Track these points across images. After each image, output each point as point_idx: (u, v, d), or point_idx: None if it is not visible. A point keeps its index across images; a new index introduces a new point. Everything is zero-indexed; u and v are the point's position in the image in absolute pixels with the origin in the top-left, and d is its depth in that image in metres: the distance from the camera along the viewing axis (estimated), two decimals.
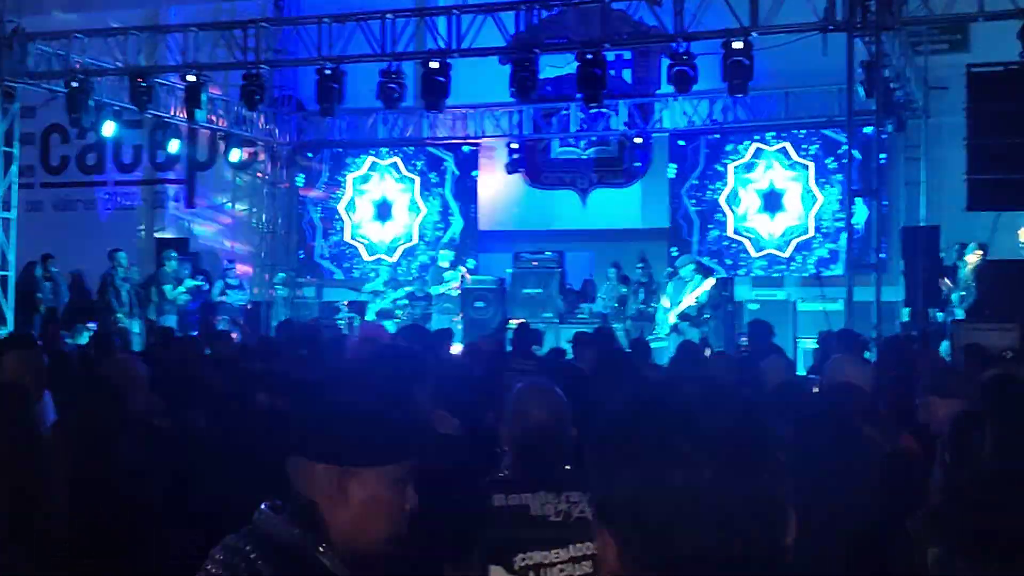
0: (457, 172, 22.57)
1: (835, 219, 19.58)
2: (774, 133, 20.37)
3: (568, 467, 3.97)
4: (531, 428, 3.97)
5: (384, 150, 23.02)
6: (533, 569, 3.78)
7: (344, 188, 23.37)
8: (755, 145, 20.57)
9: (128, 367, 5.64)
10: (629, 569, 1.57)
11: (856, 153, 16.90)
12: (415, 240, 22.74)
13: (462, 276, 19.83)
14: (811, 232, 20.14)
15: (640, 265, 18.89)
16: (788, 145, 20.31)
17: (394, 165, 22.96)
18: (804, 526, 3.21)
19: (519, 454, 4.02)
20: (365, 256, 23.01)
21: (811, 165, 20.19)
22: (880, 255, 16.15)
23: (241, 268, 21.93)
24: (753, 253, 20.53)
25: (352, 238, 23.23)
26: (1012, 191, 14.51)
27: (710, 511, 1.53)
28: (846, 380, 5.63)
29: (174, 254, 20.14)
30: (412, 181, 22.82)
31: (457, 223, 22.52)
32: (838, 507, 2.73)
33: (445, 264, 20.25)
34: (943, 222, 17.36)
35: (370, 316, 19.19)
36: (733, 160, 20.72)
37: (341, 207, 23.33)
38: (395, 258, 22.47)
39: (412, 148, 22.87)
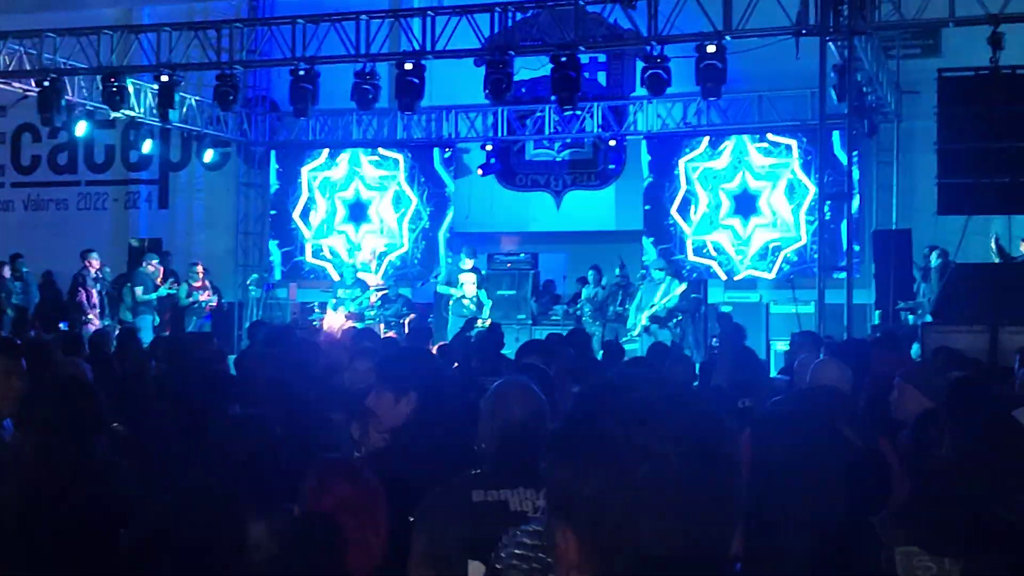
0: (434, 173, 22.50)
1: (807, 222, 19.65)
2: (747, 136, 20.40)
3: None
4: (510, 424, 4.00)
5: (366, 150, 22.87)
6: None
7: (300, 190, 23.21)
8: (727, 148, 20.58)
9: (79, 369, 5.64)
10: (593, 565, 1.60)
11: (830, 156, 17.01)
12: (397, 240, 22.61)
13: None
14: (781, 234, 20.18)
15: (619, 268, 18.95)
16: (760, 148, 20.33)
17: (375, 163, 22.81)
18: (780, 523, 3.24)
19: (498, 450, 4.03)
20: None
21: (782, 169, 20.22)
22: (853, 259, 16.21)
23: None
24: (717, 265, 20.57)
25: (314, 237, 23.12)
26: (982, 195, 14.59)
27: (675, 504, 1.56)
28: (826, 382, 5.67)
29: (156, 259, 20.03)
30: (398, 181, 22.65)
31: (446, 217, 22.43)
32: (812, 505, 2.78)
33: (466, 267, 19.48)
34: (914, 226, 17.45)
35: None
36: (704, 162, 20.72)
37: (297, 212, 23.18)
38: (373, 259, 22.29)
39: (406, 149, 22.67)
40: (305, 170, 23.07)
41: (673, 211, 20.67)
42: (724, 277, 20.37)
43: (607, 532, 1.57)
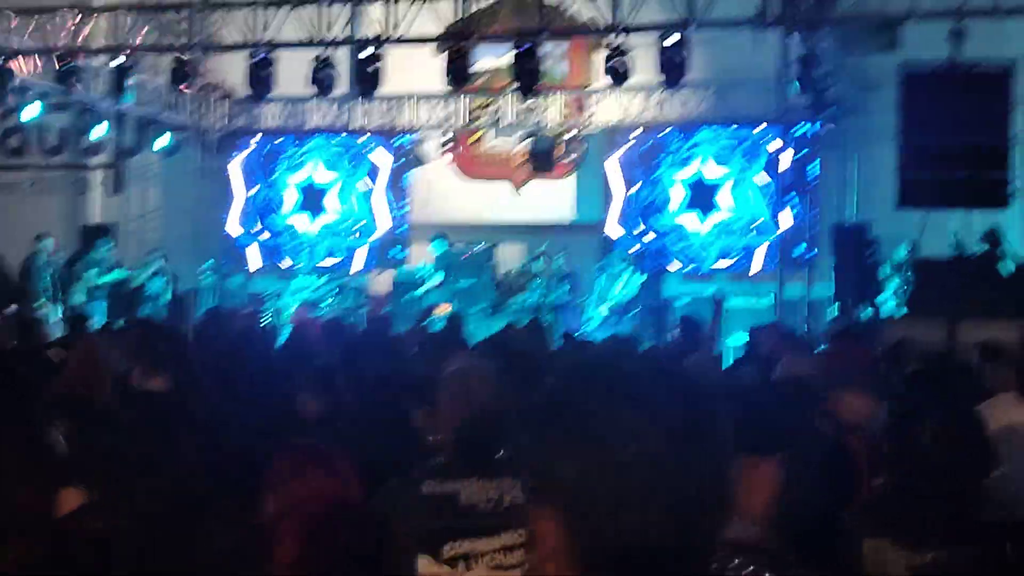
0: (390, 162, 22.33)
1: (766, 216, 19.65)
2: (706, 127, 20.38)
3: (502, 452, 3.87)
4: (473, 412, 3.86)
5: (319, 138, 22.68)
6: (462, 559, 3.67)
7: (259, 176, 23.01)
8: (688, 140, 20.56)
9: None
10: (576, 554, 1.49)
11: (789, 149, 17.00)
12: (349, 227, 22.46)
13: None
14: (739, 227, 20.18)
15: (562, 257, 18.85)
16: (719, 140, 20.32)
17: (332, 149, 22.63)
18: None
19: (457, 438, 3.90)
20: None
21: (742, 161, 20.21)
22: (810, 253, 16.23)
23: None
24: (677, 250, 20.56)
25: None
26: (942, 189, 14.64)
27: (663, 487, 1.46)
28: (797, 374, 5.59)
29: (110, 243, 19.76)
30: (355, 168, 22.52)
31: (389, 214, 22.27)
32: (788, 497, 2.71)
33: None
34: (873, 220, 17.47)
35: (295, 304, 18.91)
36: (664, 155, 20.70)
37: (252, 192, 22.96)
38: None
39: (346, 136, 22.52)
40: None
41: (658, 226, 20.68)
42: (679, 265, 20.35)
43: (590, 517, 1.47)
